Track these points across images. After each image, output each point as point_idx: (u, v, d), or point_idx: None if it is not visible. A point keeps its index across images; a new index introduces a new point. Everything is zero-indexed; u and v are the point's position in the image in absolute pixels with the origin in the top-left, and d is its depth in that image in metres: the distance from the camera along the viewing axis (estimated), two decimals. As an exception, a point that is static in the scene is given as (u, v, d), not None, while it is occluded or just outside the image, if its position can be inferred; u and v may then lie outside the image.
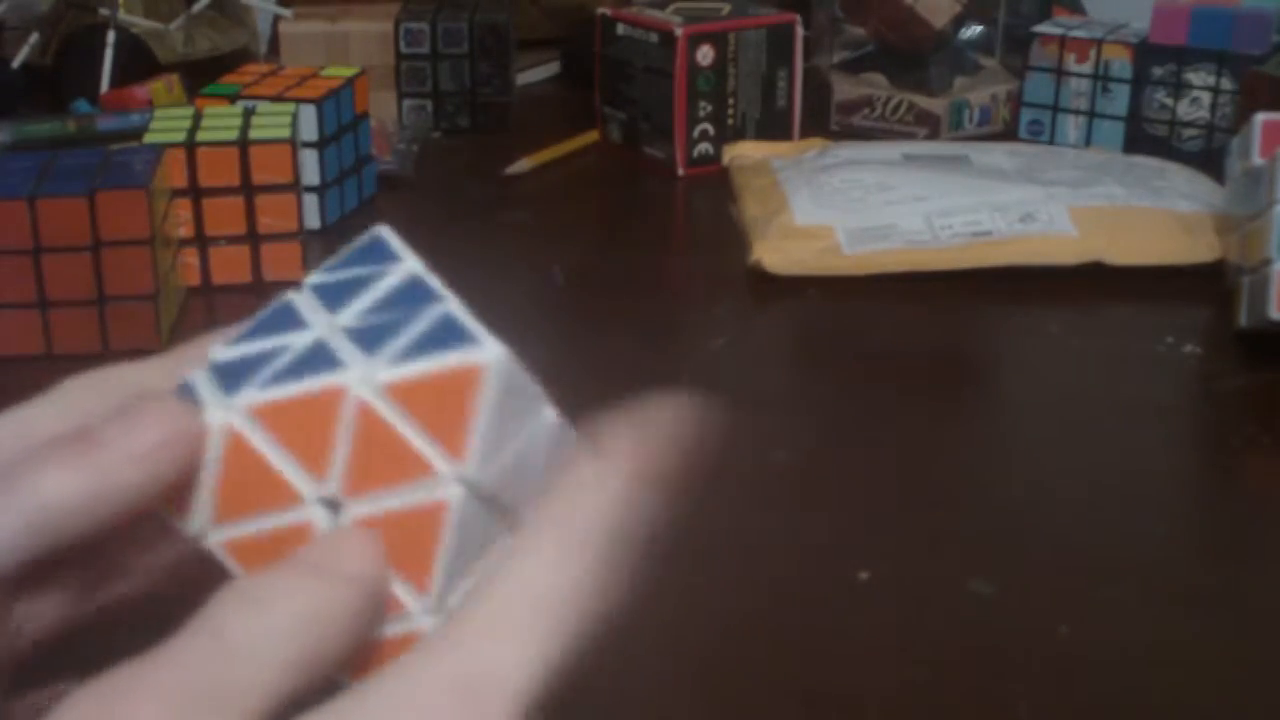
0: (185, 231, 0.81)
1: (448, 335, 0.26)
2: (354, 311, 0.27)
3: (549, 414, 0.28)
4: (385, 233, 0.29)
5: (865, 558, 0.57)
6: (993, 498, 0.63)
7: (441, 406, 0.26)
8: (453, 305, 0.27)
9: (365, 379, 0.26)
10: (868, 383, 0.73)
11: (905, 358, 0.77)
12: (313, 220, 0.89)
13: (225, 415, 0.27)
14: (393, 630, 0.26)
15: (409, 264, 0.28)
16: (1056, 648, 0.53)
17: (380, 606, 0.26)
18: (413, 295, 0.27)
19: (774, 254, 0.84)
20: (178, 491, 0.27)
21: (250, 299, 0.82)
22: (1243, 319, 0.75)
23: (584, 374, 0.75)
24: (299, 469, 0.27)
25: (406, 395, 0.26)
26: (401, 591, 0.26)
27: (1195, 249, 0.84)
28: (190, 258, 0.82)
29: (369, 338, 0.27)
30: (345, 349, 0.27)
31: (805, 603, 0.55)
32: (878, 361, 0.76)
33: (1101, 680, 0.51)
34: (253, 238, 0.82)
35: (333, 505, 0.27)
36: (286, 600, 0.25)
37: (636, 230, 0.95)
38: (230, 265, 0.82)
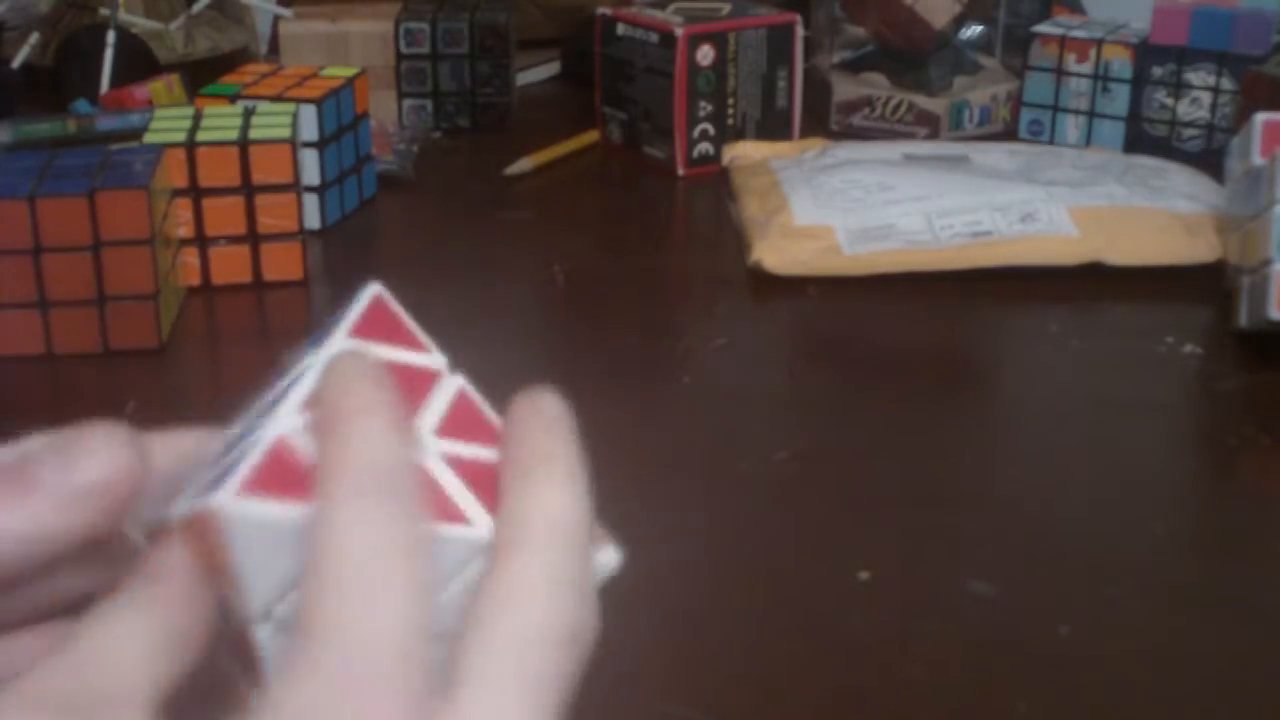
0: (185, 231, 0.81)
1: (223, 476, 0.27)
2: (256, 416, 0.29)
3: None
4: (371, 294, 0.29)
5: (865, 558, 0.57)
6: (993, 498, 0.63)
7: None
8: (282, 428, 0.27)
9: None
10: (868, 383, 0.73)
11: (905, 358, 0.77)
12: (313, 220, 0.89)
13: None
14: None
15: (321, 354, 0.28)
16: (1056, 648, 0.53)
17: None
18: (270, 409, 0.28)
19: (774, 254, 0.84)
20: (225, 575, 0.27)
21: (250, 299, 0.82)
22: (1243, 319, 0.75)
23: (584, 374, 0.75)
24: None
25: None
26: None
27: (1195, 249, 0.84)
28: (190, 258, 0.82)
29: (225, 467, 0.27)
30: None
31: (805, 603, 0.55)
32: (878, 361, 0.76)
33: (1101, 680, 0.51)
34: (253, 238, 0.82)
35: None
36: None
37: (636, 230, 0.95)
38: (230, 265, 0.82)
